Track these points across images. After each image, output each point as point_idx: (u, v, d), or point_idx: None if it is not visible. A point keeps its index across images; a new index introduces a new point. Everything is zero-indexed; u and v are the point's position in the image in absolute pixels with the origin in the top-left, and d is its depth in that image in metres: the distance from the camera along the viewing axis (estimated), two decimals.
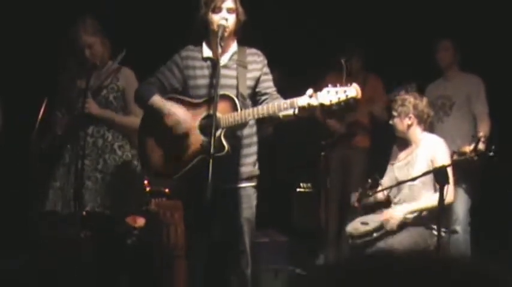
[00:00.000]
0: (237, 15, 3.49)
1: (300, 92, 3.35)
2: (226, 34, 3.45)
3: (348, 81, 3.41)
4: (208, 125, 3.35)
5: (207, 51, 3.55)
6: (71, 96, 4.11)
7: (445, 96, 5.21)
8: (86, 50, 4.03)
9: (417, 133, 4.33)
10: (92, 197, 4.01)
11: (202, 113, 3.48)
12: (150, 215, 4.58)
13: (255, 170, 3.60)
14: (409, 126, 4.32)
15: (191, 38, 3.61)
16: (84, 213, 3.97)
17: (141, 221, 4.57)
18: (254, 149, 3.60)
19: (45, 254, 4.18)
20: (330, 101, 3.27)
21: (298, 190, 6.51)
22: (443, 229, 4.04)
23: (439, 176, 3.81)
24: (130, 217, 4.47)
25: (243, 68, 3.51)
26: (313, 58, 5.70)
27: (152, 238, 4.51)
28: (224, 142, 3.36)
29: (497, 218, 5.14)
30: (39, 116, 4.09)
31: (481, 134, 4.63)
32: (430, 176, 4.02)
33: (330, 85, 3.31)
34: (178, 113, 3.45)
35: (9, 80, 4.80)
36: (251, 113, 3.38)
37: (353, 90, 3.29)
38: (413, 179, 4.05)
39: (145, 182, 4.53)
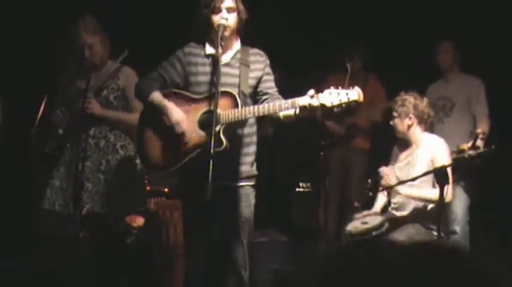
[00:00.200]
0: (238, 14, 3.49)
1: (301, 93, 3.35)
2: (226, 33, 3.46)
3: (350, 83, 3.41)
4: (207, 120, 3.35)
5: (209, 49, 3.56)
6: (71, 97, 4.11)
7: (445, 97, 5.22)
8: (86, 50, 4.02)
9: (417, 133, 4.33)
10: (90, 199, 3.99)
11: (202, 108, 3.48)
12: (149, 215, 4.58)
13: (253, 170, 3.60)
14: (409, 126, 4.32)
15: (192, 37, 3.60)
16: (83, 213, 3.96)
17: (140, 221, 4.56)
18: (253, 148, 3.60)
19: (45, 254, 4.18)
20: (332, 103, 3.28)
21: (297, 189, 6.51)
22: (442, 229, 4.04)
23: (439, 176, 3.82)
24: (129, 217, 4.47)
25: (245, 67, 3.52)
26: (313, 58, 5.70)
27: (151, 238, 4.51)
28: (222, 138, 3.36)
29: (497, 218, 5.14)
30: (39, 114, 4.09)
31: (479, 130, 4.63)
32: (430, 176, 4.02)
33: (332, 87, 3.31)
34: (175, 115, 3.46)
35: (9, 78, 4.80)
36: (251, 111, 3.38)
37: (355, 94, 3.29)
38: (414, 179, 4.05)
39: (145, 181, 4.53)
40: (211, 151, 3.15)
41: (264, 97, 3.56)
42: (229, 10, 3.45)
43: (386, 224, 4.20)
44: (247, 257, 3.53)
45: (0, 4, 5.20)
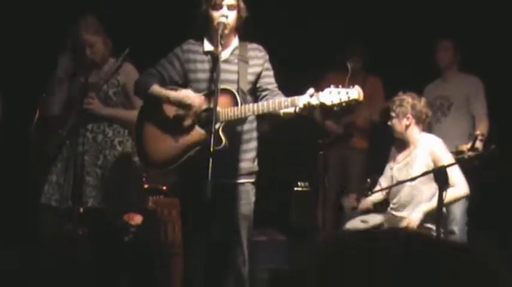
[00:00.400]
0: (238, 12, 3.48)
1: (300, 92, 3.34)
2: (226, 31, 3.44)
3: (351, 83, 3.41)
4: (207, 118, 3.34)
5: (208, 46, 3.55)
6: (73, 95, 4.10)
7: (443, 96, 5.21)
8: (87, 48, 4.02)
9: (415, 134, 4.33)
10: (93, 192, 3.99)
11: (202, 106, 3.47)
12: (147, 213, 4.57)
13: (254, 166, 3.59)
14: (407, 126, 4.32)
15: (192, 35, 3.59)
16: (81, 210, 3.95)
17: (138, 219, 4.56)
18: (254, 144, 3.59)
19: (44, 252, 4.17)
20: (332, 101, 3.27)
21: (295, 189, 6.51)
22: (441, 230, 4.03)
23: (438, 176, 3.81)
24: (127, 215, 4.46)
25: (244, 63, 3.51)
26: (313, 58, 5.70)
27: (149, 236, 4.50)
28: (222, 136, 3.35)
29: (497, 218, 5.14)
30: (37, 113, 4.08)
31: (478, 132, 4.63)
32: (430, 176, 4.02)
33: (332, 86, 3.30)
34: (182, 92, 3.45)
35: (8, 78, 4.78)
36: (251, 109, 3.37)
37: (355, 93, 3.29)
38: (412, 180, 4.05)
39: (143, 179, 4.52)
40: (211, 149, 3.14)
41: (264, 93, 3.55)
42: (230, 7, 3.44)
43: (386, 225, 4.19)
44: (246, 255, 3.52)
45: (0, 4, 5.19)
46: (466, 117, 5.13)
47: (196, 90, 3.51)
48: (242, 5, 3.49)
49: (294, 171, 6.46)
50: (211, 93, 3.39)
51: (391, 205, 4.36)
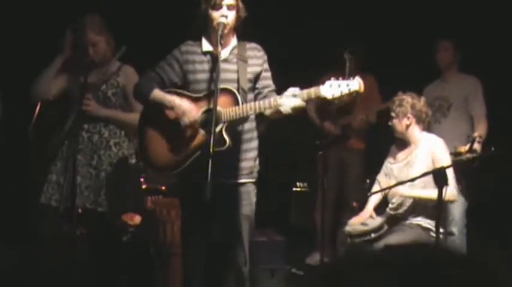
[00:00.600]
0: (238, 12, 3.47)
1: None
2: (226, 31, 3.43)
3: (351, 74, 3.40)
4: (209, 120, 3.32)
5: (206, 46, 3.53)
6: (73, 96, 4.09)
7: (442, 97, 5.20)
8: (90, 47, 4.01)
9: (416, 133, 4.33)
10: (85, 193, 3.98)
11: (202, 107, 3.45)
12: (146, 213, 4.56)
13: (256, 165, 3.58)
14: (407, 126, 4.32)
15: (192, 35, 3.58)
16: (79, 210, 3.95)
17: (137, 219, 4.55)
18: (255, 143, 3.58)
19: (43, 252, 4.16)
20: (333, 94, 3.27)
21: (294, 189, 6.51)
22: (441, 230, 4.03)
23: (438, 177, 3.81)
24: (126, 215, 4.45)
25: (243, 62, 3.50)
26: (313, 58, 5.70)
27: (148, 236, 4.49)
28: (225, 136, 3.34)
29: (497, 219, 5.14)
30: (36, 112, 4.08)
31: (476, 134, 4.63)
32: (430, 176, 4.02)
33: (332, 78, 3.30)
34: (183, 104, 3.42)
35: (8, 77, 4.78)
36: (253, 107, 3.36)
37: (356, 84, 3.29)
38: (413, 180, 4.04)
39: (142, 179, 4.52)
40: (211, 150, 3.12)
41: (261, 96, 3.54)
42: (229, 7, 3.43)
43: (386, 226, 4.19)
44: (247, 254, 3.52)
45: (0, 3, 5.18)
46: (465, 118, 5.12)
47: (196, 91, 3.49)
48: (241, 4, 3.48)
49: (293, 172, 6.46)
50: (211, 94, 3.38)
51: (390, 205, 4.35)
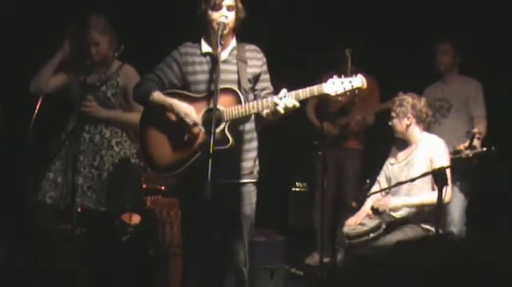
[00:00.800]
0: (237, 13, 3.47)
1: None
2: (226, 32, 3.43)
3: (352, 72, 3.40)
4: (210, 120, 3.31)
5: (205, 47, 3.53)
6: (73, 95, 4.09)
7: (442, 98, 5.20)
8: (93, 47, 4.01)
9: (416, 133, 4.33)
10: (82, 193, 3.98)
11: (203, 107, 3.45)
12: (145, 213, 4.56)
13: (256, 165, 3.58)
14: (407, 126, 4.32)
15: (192, 36, 3.58)
16: (79, 209, 3.95)
17: (136, 219, 4.56)
18: (255, 144, 3.58)
19: (42, 251, 4.17)
20: (336, 91, 3.28)
21: (293, 189, 6.51)
22: (440, 231, 4.03)
23: (438, 177, 3.81)
24: (126, 215, 4.46)
25: (243, 63, 3.50)
26: (313, 58, 5.70)
27: (148, 236, 4.49)
28: (228, 135, 3.34)
29: (497, 219, 5.13)
30: (35, 112, 4.08)
31: (475, 130, 4.62)
32: (430, 176, 4.02)
33: (334, 76, 3.30)
34: (183, 106, 3.42)
35: (8, 77, 4.79)
36: (255, 106, 3.36)
37: (358, 81, 3.31)
38: (413, 180, 4.05)
39: (142, 179, 4.51)
40: (211, 149, 3.12)
41: (259, 98, 3.53)
42: (229, 8, 3.43)
43: (384, 226, 4.19)
44: (247, 254, 3.52)
45: (0, 4, 5.19)
46: (465, 119, 5.11)
47: (196, 92, 3.49)
48: (240, 5, 3.48)
49: (292, 172, 6.47)
50: (211, 94, 3.38)
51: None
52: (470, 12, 5.44)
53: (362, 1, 5.92)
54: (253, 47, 3.58)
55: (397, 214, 4.26)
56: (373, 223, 4.20)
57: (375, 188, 4.47)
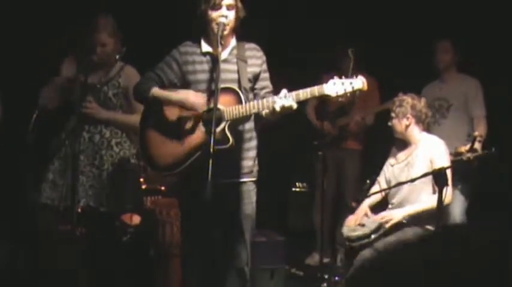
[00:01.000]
0: (237, 12, 3.47)
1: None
2: (226, 32, 3.43)
3: (354, 73, 3.40)
4: (210, 119, 3.31)
5: (205, 46, 3.53)
6: (74, 95, 4.09)
7: (441, 98, 5.18)
8: (98, 47, 4.01)
9: (416, 133, 4.33)
10: (85, 192, 3.98)
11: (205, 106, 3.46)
12: (145, 213, 4.56)
13: (255, 164, 3.58)
14: (407, 126, 4.32)
15: (192, 36, 3.58)
16: (79, 210, 3.95)
17: (136, 219, 4.55)
18: (254, 143, 3.58)
19: (43, 251, 4.17)
20: (337, 92, 3.28)
21: (293, 189, 6.51)
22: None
23: (438, 178, 3.81)
24: (126, 215, 4.45)
25: (243, 62, 3.50)
26: (313, 58, 5.70)
27: (148, 236, 4.49)
28: (229, 134, 3.34)
29: (497, 219, 5.11)
30: (35, 114, 4.07)
31: (476, 133, 4.61)
32: (430, 177, 4.01)
33: (335, 77, 3.30)
34: (182, 92, 3.44)
35: (8, 77, 4.78)
36: (256, 106, 3.36)
37: (359, 82, 3.31)
38: (413, 181, 4.04)
39: (141, 179, 4.51)
40: (211, 149, 3.12)
41: (259, 97, 3.53)
42: (229, 7, 3.43)
43: (384, 226, 4.18)
44: (249, 254, 3.52)
45: (0, 3, 5.18)
46: (465, 119, 5.09)
47: (197, 91, 3.50)
48: (239, 5, 3.48)
49: (291, 172, 6.46)
50: (212, 94, 3.38)
51: (390, 205, 4.35)
52: (470, 12, 5.44)
53: (362, 1, 5.92)
54: (252, 45, 3.58)
55: None
56: (373, 224, 4.19)
57: (375, 188, 4.47)
